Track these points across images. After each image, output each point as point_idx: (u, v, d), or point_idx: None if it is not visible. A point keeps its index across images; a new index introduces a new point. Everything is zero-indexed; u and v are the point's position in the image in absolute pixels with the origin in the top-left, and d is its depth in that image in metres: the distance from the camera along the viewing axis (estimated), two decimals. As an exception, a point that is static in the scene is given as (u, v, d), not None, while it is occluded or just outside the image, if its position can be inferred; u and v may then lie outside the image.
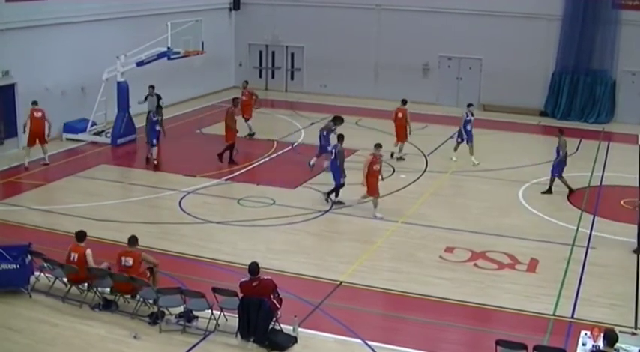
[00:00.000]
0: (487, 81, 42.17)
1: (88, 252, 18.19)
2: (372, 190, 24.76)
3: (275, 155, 31.92)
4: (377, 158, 24.71)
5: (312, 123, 37.16)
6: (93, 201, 25.53)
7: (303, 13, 44.90)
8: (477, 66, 42.53)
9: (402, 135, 31.49)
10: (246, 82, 36.18)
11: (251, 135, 34.48)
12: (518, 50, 40.81)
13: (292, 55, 46.56)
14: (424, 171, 30.11)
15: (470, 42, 41.92)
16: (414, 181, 28.74)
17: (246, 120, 34.58)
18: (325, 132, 29.38)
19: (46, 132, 29.61)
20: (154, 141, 29.76)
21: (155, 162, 29.61)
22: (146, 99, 33.54)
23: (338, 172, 25.87)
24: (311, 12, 44.71)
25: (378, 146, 25.06)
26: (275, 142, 33.73)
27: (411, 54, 43.03)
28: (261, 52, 47.23)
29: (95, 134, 33.28)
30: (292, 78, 46.96)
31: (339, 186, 25.87)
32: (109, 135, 33.18)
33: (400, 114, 31.53)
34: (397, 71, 43.35)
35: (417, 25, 42.64)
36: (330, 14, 44.33)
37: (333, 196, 25.88)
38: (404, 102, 32.17)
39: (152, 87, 33.54)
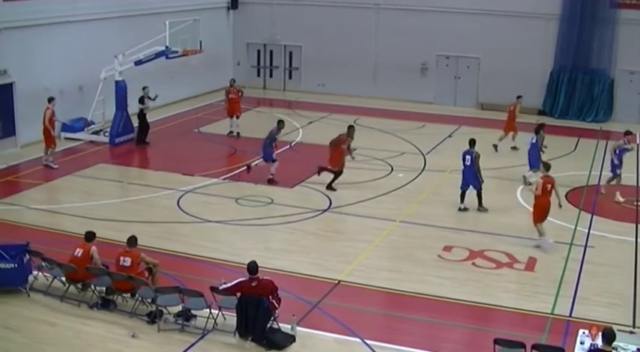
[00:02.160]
0: (485, 80, 42.20)
1: (94, 249, 18.25)
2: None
3: (273, 154, 31.82)
4: (549, 179, 22.71)
5: (310, 122, 37.19)
6: (91, 200, 25.53)
7: (301, 12, 44.89)
8: (475, 65, 42.55)
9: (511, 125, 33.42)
10: (234, 80, 36.01)
11: (237, 135, 34.74)
12: (516, 49, 40.81)
13: (290, 54, 46.56)
14: (422, 170, 30.11)
15: (468, 41, 41.95)
16: (412, 180, 28.74)
17: (237, 117, 34.86)
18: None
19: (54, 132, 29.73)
20: (273, 156, 28.42)
21: (271, 176, 28.10)
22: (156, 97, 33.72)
23: (476, 178, 25.61)
24: (309, 11, 44.71)
25: (547, 167, 23.12)
26: (273, 141, 33.67)
27: (409, 53, 43.04)
28: (259, 51, 47.24)
29: (93, 133, 33.26)
30: (290, 77, 46.97)
31: (479, 192, 25.72)
32: (106, 134, 33.16)
33: (512, 107, 33.91)
34: (395, 70, 43.40)
35: (415, 24, 42.62)
36: (328, 13, 44.35)
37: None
38: (519, 97, 34.31)
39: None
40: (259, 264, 16.78)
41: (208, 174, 28.44)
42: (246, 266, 16.62)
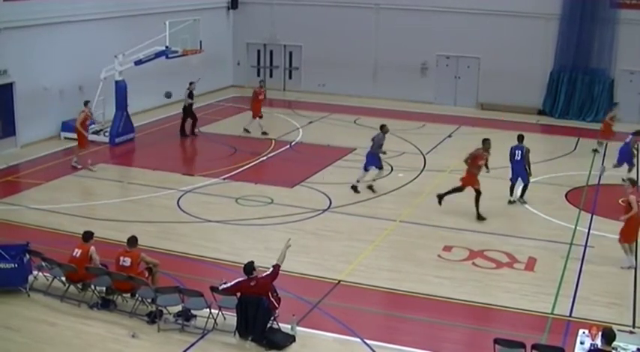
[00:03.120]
0: (485, 80, 42.20)
1: (92, 249, 18.26)
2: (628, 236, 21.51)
3: (273, 154, 31.92)
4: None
5: (310, 122, 37.19)
6: (91, 200, 25.56)
7: (301, 12, 44.89)
8: (475, 65, 42.54)
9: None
10: (263, 82, 36.08)
11: (248, 131, 35.12)
12: (516, 49, 40.81)
13: (290, 53, 46.57)
14: (422, 170, 30.13)
15: (468, 41, 41.97)
16: (412, 180, 28.76)
17: (261, 117, 35.19)
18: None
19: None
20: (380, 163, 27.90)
21: (372, 184, 27.52)
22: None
23: (525, 172, 26.17)
24: (309, 11, 44.71)
25: (633, 182, 21.92)
26: (273, 141, 33.75)
27: (410, 53, 43.05)
28: (259, 51, 47.24)
29: (93, 133, 33.20)
30: (290, 77, 46.97)
31: (526, 185, 26.40)
32: (107, 134, 33.16)
33: (611, 116, 33.70)
34: (395, 70, 43.41)
35: (415, 24, 42.64)
36: (328, 13, 44.36)
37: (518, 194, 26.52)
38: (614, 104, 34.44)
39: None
40: (259, 264, 16.81)
41: (208, 174, 28.45)
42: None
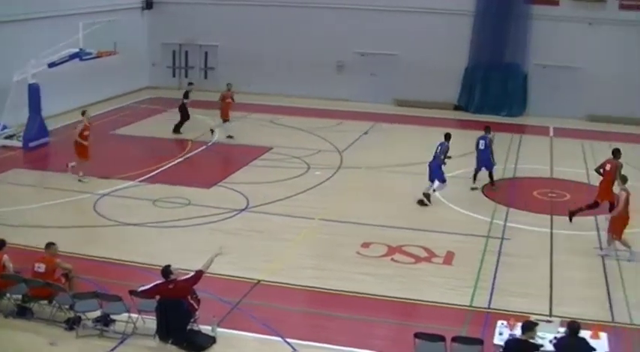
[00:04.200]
0: (401, 76, 42.56)
1: (5, 257, 17.89)
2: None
3: (190, 155, 31.77)
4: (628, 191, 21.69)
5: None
6: (6, 206, 25.06)
7: (217, 11, 44.66)
8: (393, 62, 42.84)
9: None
10: (231, 84, 35.68)
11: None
12: (432, 46, 41.36)
13: (206, 53, 46.36)
14: (339, 168, 30.28)
15: (384, 38, 42.38)
16: (330, 178, 28.89)
17: (229, 121, 35.00)
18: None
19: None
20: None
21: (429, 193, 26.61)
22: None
23: (489, 160, 27.55)
24: (225, 10, 44.52)
25: (625, 179, 22.18)
26: (190, 142, 33.58)
27: (326, 51, 43.29)
28: (174, 52, 46.91)
29: (6, 138, 32.64)
30: (206, 77, 46.71)
31: (491, 172, 27.77)
32: (20, 138, 32.60)
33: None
34: (312, 68, 43.54)
35: (332, 22, 42.91)
36: (244, 12, 44.31)
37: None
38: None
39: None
40: (179, 266, 16.75)
41: (125, 177, 28.16)
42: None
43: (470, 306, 18.70)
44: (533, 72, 41.30)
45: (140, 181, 27.93)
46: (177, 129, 35.49)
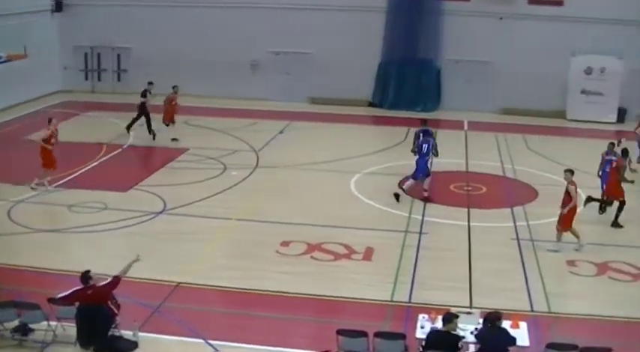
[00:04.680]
0: (316, 74, 42.71)
1: None
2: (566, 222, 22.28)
3: (105, 158, 31.43)
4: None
5: (142, 125, 36.73)
6: None
7: (129, 13, 44.09)
8: (307, 60, 42.97)
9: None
10: (177, 87, 35.14)
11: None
12: (346, 43, 41.57)
13: (119, 56, 45.87)
14: (255, 167, 30.29)
15: (298, 37, 42.48)
16: (246, 178, 28.89)
17: (169, 124, 34.39)
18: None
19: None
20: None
21: (426, 193, 26.73)
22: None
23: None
24: (137, 12, 43.98)
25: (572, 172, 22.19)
26: (104, 146, 33.20)
27: (240, 50, 43.16)
28: (86, 54, 46.26)
29: None
30: (119, 79, 46.24)
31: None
32: None
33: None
34: (226, 68, 43.35)
35: (246, 21, 42.85)
36: (157, 14, 43.91)
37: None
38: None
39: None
40: (97, 271, 16.56)
41: (39, 183, 27.70)
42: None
43: (391, 301, 18.93)
44: (447, 67, 41.86)
45: (56, 187, 27.46)
46: (129, 127, 34.98)
